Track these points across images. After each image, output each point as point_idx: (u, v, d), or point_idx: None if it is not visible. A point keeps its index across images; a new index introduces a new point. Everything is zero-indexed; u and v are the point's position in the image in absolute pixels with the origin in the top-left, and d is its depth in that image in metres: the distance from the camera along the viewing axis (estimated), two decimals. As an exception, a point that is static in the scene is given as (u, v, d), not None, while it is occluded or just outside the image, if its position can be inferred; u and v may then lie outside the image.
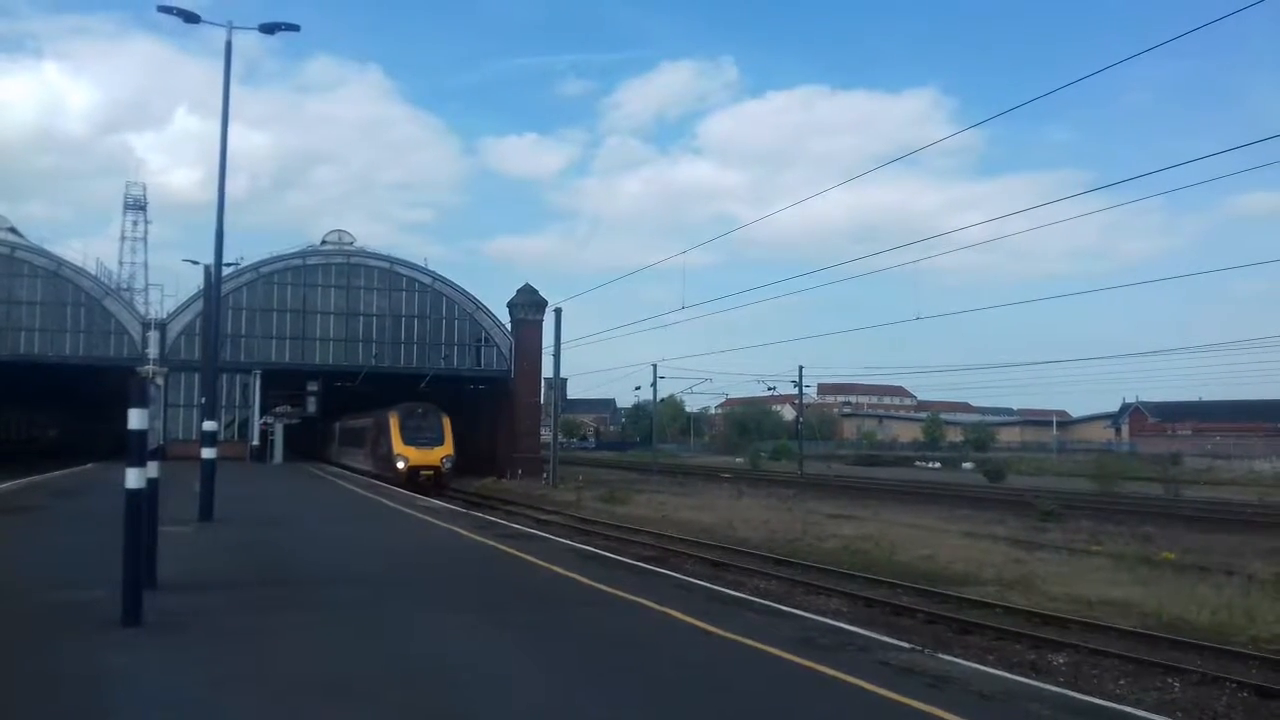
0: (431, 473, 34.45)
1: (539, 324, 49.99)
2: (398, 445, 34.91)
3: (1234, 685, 9.52)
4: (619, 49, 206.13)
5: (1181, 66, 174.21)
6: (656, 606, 9.35)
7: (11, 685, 5.99)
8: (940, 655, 7.98)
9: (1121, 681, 9.79)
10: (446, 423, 36.77)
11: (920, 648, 8.19)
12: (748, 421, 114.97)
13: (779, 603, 11.40)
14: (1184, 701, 9.11)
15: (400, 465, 34.32)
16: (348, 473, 38.69)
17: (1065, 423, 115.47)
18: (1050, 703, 6.26)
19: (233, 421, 46.12)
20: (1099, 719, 5.90)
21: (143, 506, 7.88)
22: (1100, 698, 7.30)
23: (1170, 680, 9.79)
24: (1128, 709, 6.49)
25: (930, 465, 76.81)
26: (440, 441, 35.79)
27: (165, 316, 47.10)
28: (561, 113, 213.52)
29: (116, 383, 32.03)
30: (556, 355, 43.54)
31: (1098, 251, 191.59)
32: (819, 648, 7.63)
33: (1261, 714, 8.80)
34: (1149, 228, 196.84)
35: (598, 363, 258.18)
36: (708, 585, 11.98)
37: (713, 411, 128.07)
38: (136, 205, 75.33)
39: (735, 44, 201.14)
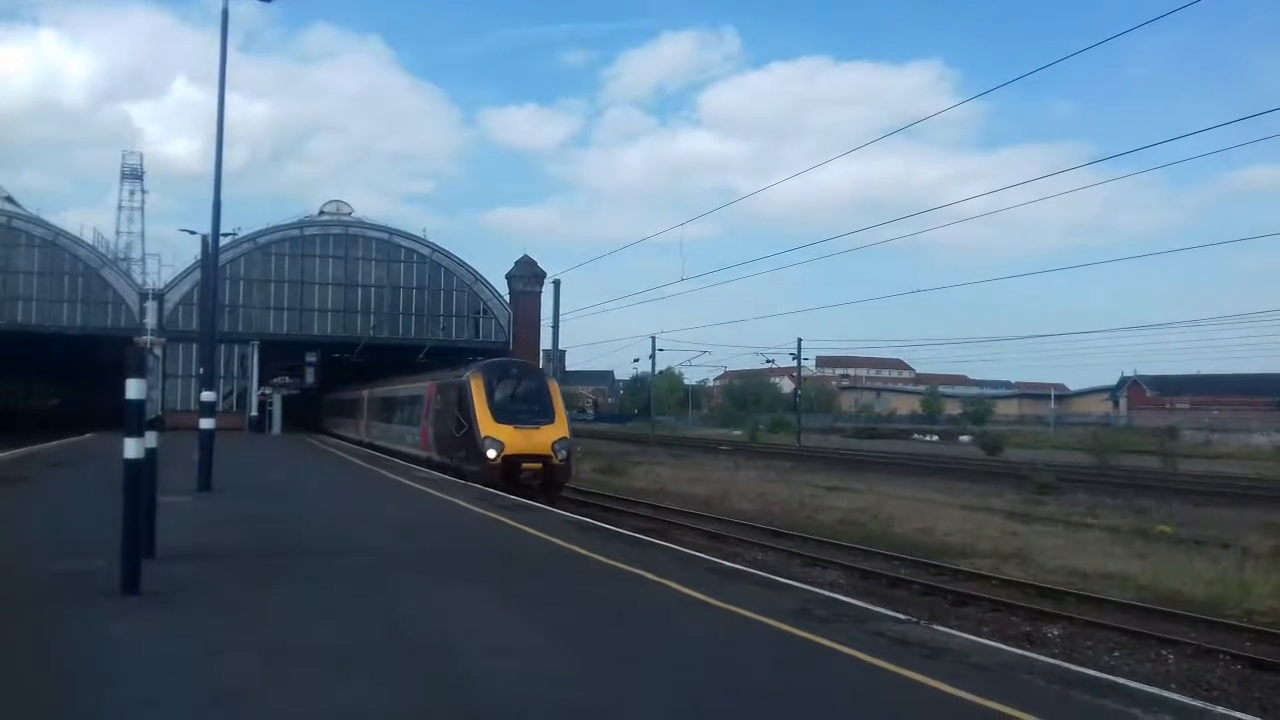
0: (539, 465, 22.05)
1: (537, 295, 49.97)
2: (486, 424, 22.33)
3: (1228, 658, 9.59)
4: (620, 18, 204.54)
5: (1184, 38, 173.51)
6: (655, 577, 9.38)
7: (11, 651, 6.02)
8: (936, 627, 8.02)
9: (1116, 654, 9.87)
10: (554, 389, 24.41)
11: (916, 619, 8.23)
12: (746, 394, 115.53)
13: (776, 574, 11.43)
14: (1178, 674, 9.17)
15: (491, 454, 21.78)
16: (344, 443, 38.28)
17: (1063, 396, 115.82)
18: (1045, 674, 6.29)
19: (231, 392, 46.20)
20: (1094, 691, 5.92)
21: (141, 477, 7.89)
22: (1095, 669, 7.33)
23: (1165, 652, 9.87)
24: (1122, 680, 6.51)
25: (928, 438, 77.00)
26: (549, 416, 23.17)
27: (163, 287, 47.06)
28: (562, 83, 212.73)
29: (114, 353, 31.95)
30: (555, 327, 43.30)
31: (1097, 225, 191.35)
32: (815, 619, 7.66)
33: (1255, 686, 8.87)
34: (1148, 201, 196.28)
35: (596, 335, 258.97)
36: (705, 557, 12.00)
37: (711, 384, 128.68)
38: (134, 175, 75.24)
39: (738, 14, 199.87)
